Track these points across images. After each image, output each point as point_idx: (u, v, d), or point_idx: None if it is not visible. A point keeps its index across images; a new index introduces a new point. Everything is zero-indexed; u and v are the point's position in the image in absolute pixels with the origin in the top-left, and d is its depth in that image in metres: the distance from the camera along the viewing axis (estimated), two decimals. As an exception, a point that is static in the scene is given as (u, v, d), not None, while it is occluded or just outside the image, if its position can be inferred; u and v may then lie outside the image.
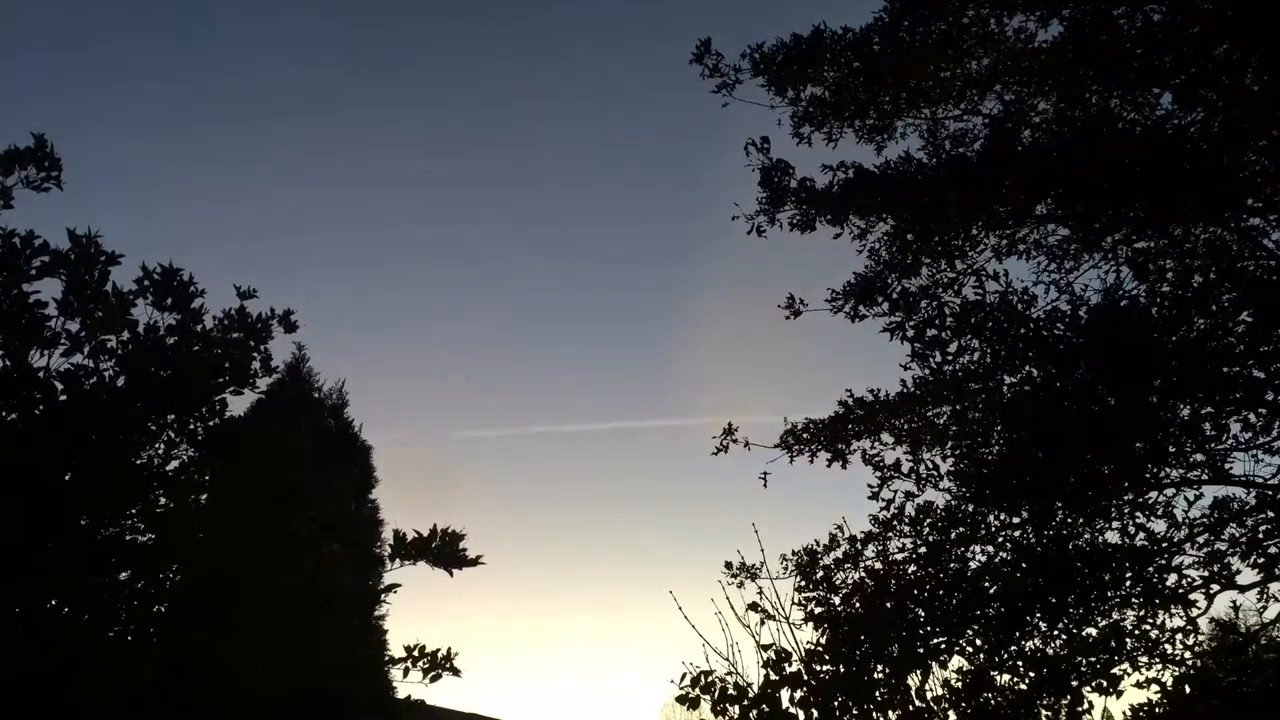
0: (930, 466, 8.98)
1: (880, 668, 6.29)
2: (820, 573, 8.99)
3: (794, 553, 9.42)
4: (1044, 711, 6.91)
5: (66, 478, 5.41)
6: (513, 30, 31.46)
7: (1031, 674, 7.21)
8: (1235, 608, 8.64)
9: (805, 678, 5.39)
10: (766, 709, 5.24)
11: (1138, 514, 8.03)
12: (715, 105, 10.63)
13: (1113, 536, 8.10)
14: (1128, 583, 7.82)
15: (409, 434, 33.33)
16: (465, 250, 34.04)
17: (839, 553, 9.10)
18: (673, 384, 37.56)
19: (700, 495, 38.85)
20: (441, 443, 33.37)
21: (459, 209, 33.42)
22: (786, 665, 5.38)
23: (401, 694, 7.08)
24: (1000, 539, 8.41)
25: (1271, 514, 8.02)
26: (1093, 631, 7.74)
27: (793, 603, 6.02)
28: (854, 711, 5.42)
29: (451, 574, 6.78)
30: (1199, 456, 8.12)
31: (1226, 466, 8.12)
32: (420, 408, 35.92)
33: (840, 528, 9.14)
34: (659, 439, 36.55)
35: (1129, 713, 7.68)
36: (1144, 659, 7.64)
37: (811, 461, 10.70)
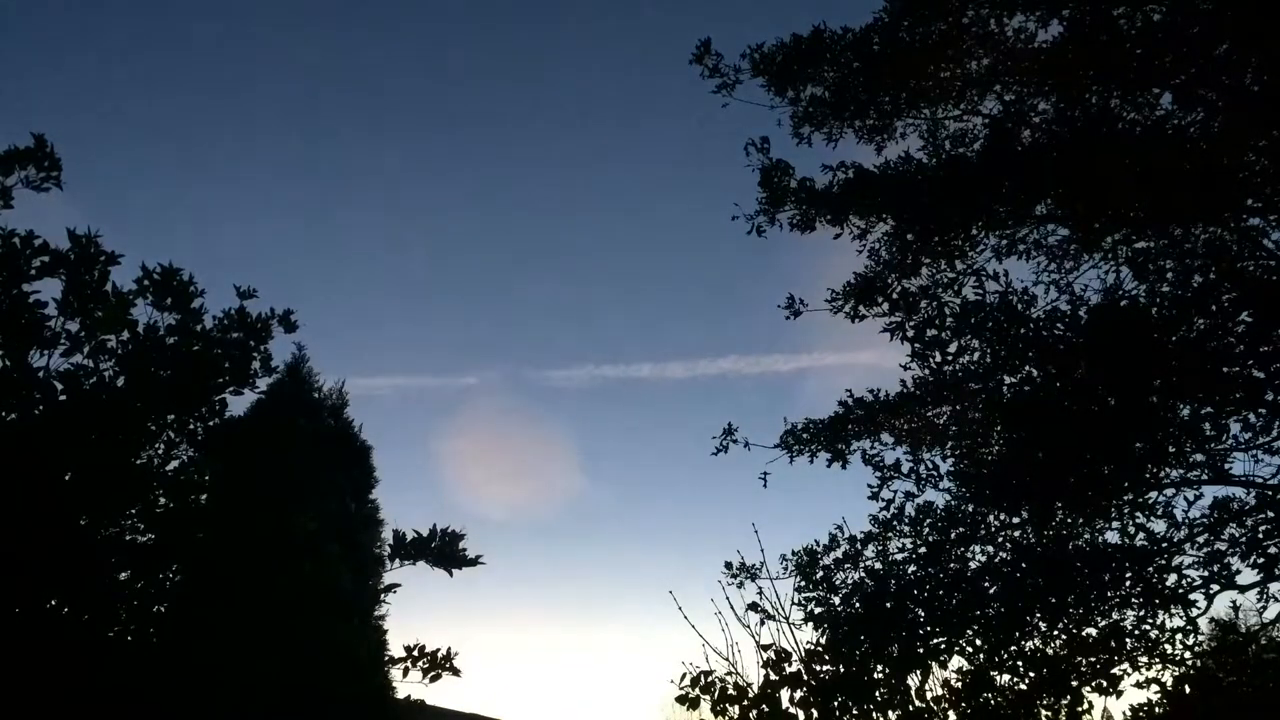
0: (930, 466, 8.98)
1: (880, 668, 6.29)
2: (820, 573, 9.00)
3: (794, 553, 9.43)
4: (1044, 711, 6.90)
5: (66, 478, 5.41)
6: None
7: (1031, 674, 7.21)
8: (1235, 608, 8.64)
9: (805, 678, 5.39)
10: (766, 709, 5.23)
11: (1138, 514, 8.03)
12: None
13: (1113, 536, 8.11)
14: (1128, 583, 7.81)
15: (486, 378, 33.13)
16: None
17: (839, 553, 9.11)
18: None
19: (700, 495, 38.81)
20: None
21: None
22: (786, 665, 5.38)
23: (401, 694, 7.08)
24: (1000, 539, 8.41)
25: (1271, 514, 8.01)
26: (1093, 631, 7.73)
27: (793, 603, 6.03)
28: (854, 711, 5.41)
29: (451, 574, 6.79)
30: (1199, 456, 8.12)
31: (1226, 466, 8.12)
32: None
33: (840, 528, 9.16)
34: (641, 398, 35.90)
35: (1129, 713, 7.67)
36: (1144, 659, 7.63)
37: (811, 462, 10.72)
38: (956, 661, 7.35)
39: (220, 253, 28.34)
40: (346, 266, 32.45)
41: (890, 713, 5.59)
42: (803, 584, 8.88)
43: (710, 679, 5.39)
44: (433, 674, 6.76)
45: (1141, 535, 7.96)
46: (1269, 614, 8.76)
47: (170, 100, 28.69)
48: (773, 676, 5.32)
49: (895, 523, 8.84)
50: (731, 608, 5.51)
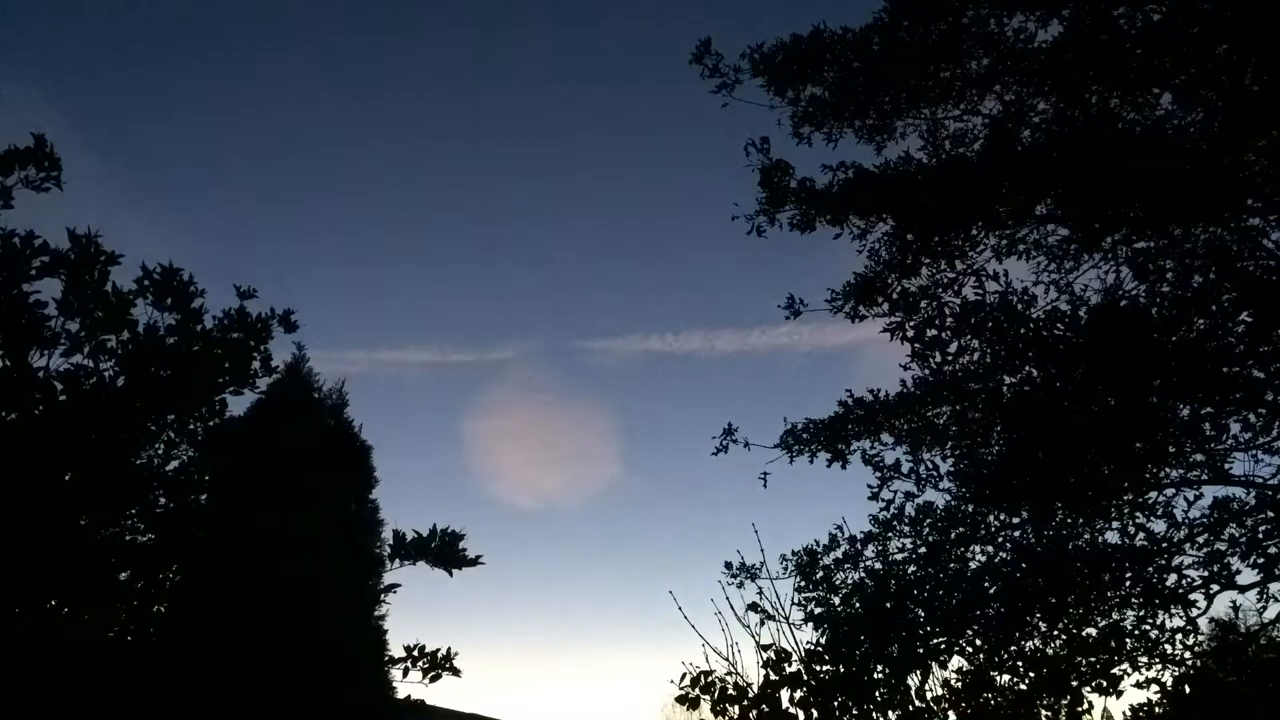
0: (930, 466, 8.99)
1: (880, 668, 6.29)
2: (820, 573, 9.00)
3: (794, 553, 9.43)
4: (1044, 711, 6.90)
5: (66, 478, 5.41)
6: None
7: (1031, 674, 7.21)
8: (1235, 608, 8.64)
9: (805, 678, 5.38)
10: (766, 709, 5.23)
11: (1138, 514, 8.04)
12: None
13: (1113, 536, 8.12)
14: (1128, 583, 7.82)
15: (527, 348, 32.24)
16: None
17: (839, 553, 9.11)
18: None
19: (699, 495, 38.70)
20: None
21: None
22: (786, 665, 5.37)
23: (401, 694, 7.08)
24: (1000, 539, 8.42)
25: (1271, 514, 8.01)
26: (1093, 631, 7.74)
27: (793, 603, 6.02)
28: (854, 711, 5.41)
29: (451, 574, 6.79)
30: (1199, 456, 8.12)
31: (1226, 466, 8.13)
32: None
33: (840, 528, 9.17)
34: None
35: (1129, 713, 7.67)
36: (1144, 659, 7.64)
37: (811, 461, 10.69)
38: (956, 661, 7.35)
39: (237, 233, 28.21)
40: (373, 236, 32.03)
41: (890, 713, 5.59)
42: (803, 584, 8.90)
43: (710, 679, 5.39)
44: (433, 674, 6.76)
45: (1141, 535, 7.96)
46: (1269, 614, 8.75)
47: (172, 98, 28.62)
48: (773, 676, 5.32)
49: (895, 523, 8.86)
50: (731, 608, 5.50)
